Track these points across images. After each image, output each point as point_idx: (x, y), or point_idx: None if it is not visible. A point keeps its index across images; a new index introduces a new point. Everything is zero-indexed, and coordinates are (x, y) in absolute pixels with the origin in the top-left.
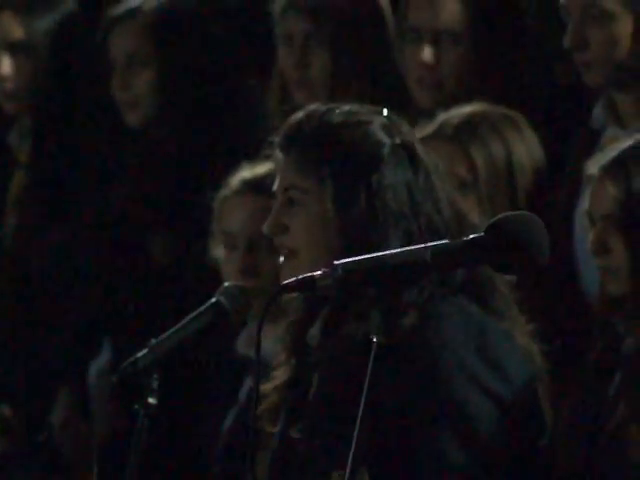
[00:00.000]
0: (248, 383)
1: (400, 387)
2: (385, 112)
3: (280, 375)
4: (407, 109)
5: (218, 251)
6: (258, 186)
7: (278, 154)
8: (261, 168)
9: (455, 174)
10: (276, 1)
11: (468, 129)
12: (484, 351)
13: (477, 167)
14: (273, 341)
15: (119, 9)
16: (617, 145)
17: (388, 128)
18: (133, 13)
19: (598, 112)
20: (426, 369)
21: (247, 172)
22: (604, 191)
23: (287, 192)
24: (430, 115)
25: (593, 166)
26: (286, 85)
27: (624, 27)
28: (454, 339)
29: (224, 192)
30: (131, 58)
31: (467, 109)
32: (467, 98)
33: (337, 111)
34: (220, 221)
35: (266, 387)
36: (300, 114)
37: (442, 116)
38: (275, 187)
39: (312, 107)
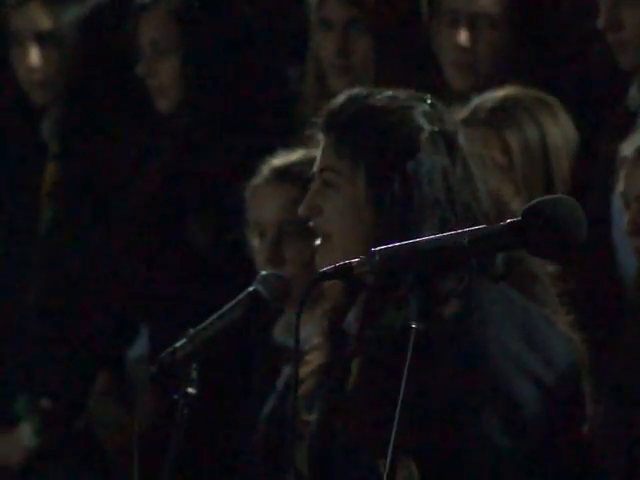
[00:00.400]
0: (286, 371)
1: (445, 375)
2: (429, 99)
3: (314, 360)
4: (443, 93)
5: (253, 240)
6: (288, 174)
7: (319, 135)
8: (292, 156)
9: (490, 158)
10: None
11: (502, 113)
12: (528, 337)
13: (512, 151)
14: (311, 328)
15: None
16: None
17: (429, 115)
18: (159, 0)
19: (634, 93)
20: (471, 356)
21: (278, 160)
22: (638, 172)
23: (323, 174)
24: (465, 99)
25: (628, 147)
26: (322, 71)
27: None
28: (498, 326)
29: (255, 181)
30: (156, 45)
31: (501, 93)
32: (502, 81)
33: (379, 95)
34: (252, 210)
35: (302, 372)
36: (343, 96)
37: (476, 100)
38: (313, 168)
39: (355, 90)
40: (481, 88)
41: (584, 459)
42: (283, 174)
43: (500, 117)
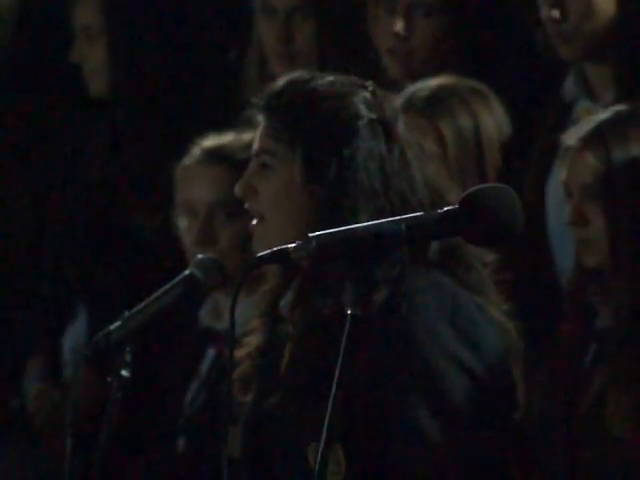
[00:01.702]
0: (210, 355)
1: (373, 361)
2: (370, 86)
3: (252, 342)
4: (382, 81)
5: (181, 221)
6: (219, 156)
7: (258, 117)
8: (223, 138)
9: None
10: None
11: (437, 102)
12: (457, 324)
13: (446, 140)
14: (242, 312)
15: None
16: (595, 117)
17: (369, 102)
18: None
19: (569, 84)
20: (400, 343)
21: (208, 141)
22: (583, 162)
23: (260, 156)
24: (401, 86)
25: (570, 138)
26: (264, 57)
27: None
28: (428, 313)
29: (185, 161)
30: (85, 30)
31: (435, 82)
32: (438, 70)
33: (320, 80)
34: (182, 190)
35: (238, 354)
36: (284, 79)
37: (410, 89)
38: (252, 149)
39: (296, 74)
40: (416, 77)
41: (515, 447)
42: (214, 155)
43: (434, 107)
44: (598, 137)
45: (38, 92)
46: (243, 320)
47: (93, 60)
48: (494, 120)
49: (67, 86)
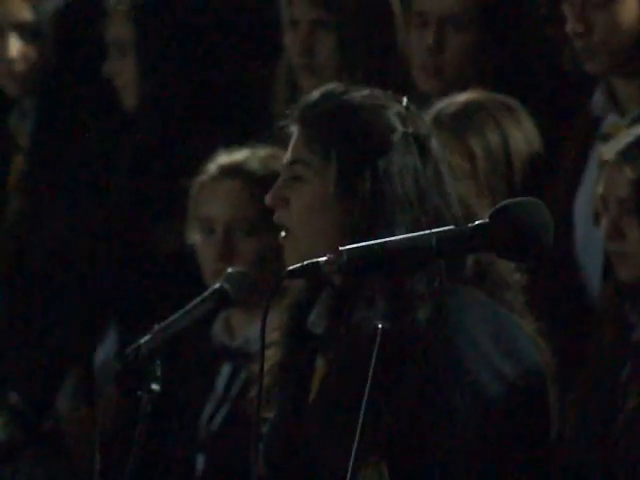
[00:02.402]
0: (226, 371)
1: (418, 377)
2: (405, 101)
3: (271, 357)
4: (411, 95)
5: (195, 236)
6: (235, 171)
7: (292, 127)
8: (237, 154)
9: (453, 163)
10: None
11: (465, 118)
12: (500, 341)
13: (475, 156)
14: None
15: None
16: (633, 130)
17: (403, 117)
18: (119, 0)
19: (597, 99)
20: (446, 360)
21: (223, 157)
22: (621, 175)
23: (293, 166)
24: (429, 101)
25: (609, 152)
26: (293, 71)
27: (628, 10)
28: (473, 330)
29: (201, 178)
30: (119, 44)
31: (463, 97)
32: (468, 85)
33: (356, 92)
34: (196, 206)
35: (257, 369)
36: (319, 91)
37: (438, 105)
38: (284, 160)
39: (332, 86)
40: (446, 91)
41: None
42: (229, 171)
43: (463, 122)
44: (636, 151)
45: (73, 106)
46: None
47: (125, 74)
48: (523, 135)
49: (100, 101)
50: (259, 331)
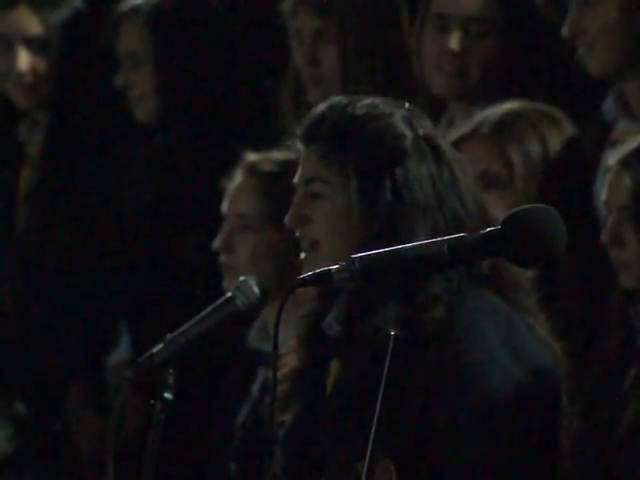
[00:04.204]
0: (261, 376)
1: (428, 380)
2: (407, 105)
3: (290, 362)
4: (417, 100)
5: None
6: (249, 168)
7: (299, 145)
8: (258, 155)
9: (491, 172)
10: None
11: (504, 127)
12: (512, 344)
13: (513, 164)
14: (287, 333)
15: (124, 6)
16: (637, 137)
17: (409, 121)
18: (134, 11)
19: (609, 105)
20: (456, 362)
21: (248, 156)
22: (621, 182)
23: (310, 184)
24: (442, 106)
25: (611, 159)
26: (300, 82)
27: (612, 10)
28: (484, 333)
29: (231, 175)
30: (131, 56)
31: (505, 107)
32: (487, 90)
33: (359, 104)
34: (223, 204)
35: (278, 373)
36: (322, 106)
37: (480, 115)
38: (296, 179)
39: (334, 99)
40: (465, 96)
41: (558, 464)
42: (250, 168)
43: (502, 131)
44: (636, 158)
45: (84, 117)
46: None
47: (139, 86)
48: (565, 145)
49: (111, 112)
50: (285, 337)
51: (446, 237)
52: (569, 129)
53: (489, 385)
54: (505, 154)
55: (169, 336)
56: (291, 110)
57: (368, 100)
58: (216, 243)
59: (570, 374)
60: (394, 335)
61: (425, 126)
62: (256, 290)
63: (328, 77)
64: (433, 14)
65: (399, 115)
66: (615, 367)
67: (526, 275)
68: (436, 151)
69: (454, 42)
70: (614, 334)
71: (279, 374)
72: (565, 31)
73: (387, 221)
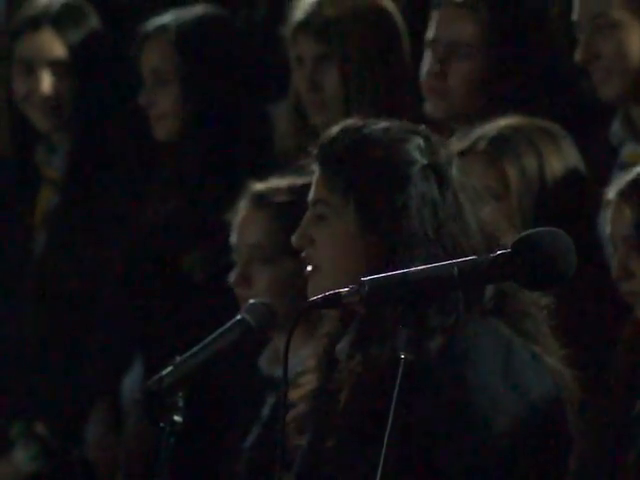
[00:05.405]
0: (270, 401)
1: (428, 406)
2: (423, 131)
3: (307, 384)
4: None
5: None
6: (261, 200)
7: (314, 166)
8: (268, 182)
9: (487, 187)
10: (287, 24)
11: (502, 142)
12: (509, 373)
13: (509, 179)
14: (303, 354)
15: (150, 25)
16: (634, 169)
17: (422, 148)
18: (161, 30)
19: (616, 128)
20: (451, 390)
21: (256, 185)
22: (621, 214)
23: (316, 206)
24: (444, 127)
25: (612, 191)
26: (301, 107)
27: (634, 36)
28: (480, 361)
29: (238, 205)
30: (157, 74)
31: (502, 122)
32: (479, 111)
33: (373, 127)
34: (232, 234)
35: (293, 395)
36: (337, 127)
37: (477, 131)
38: (308, 198)
39: (350, 121)
40: (457, 117)
41: None
42: (257, 200)
43: (499, 146)
44: (635, 188)
45: (106, 139)
46: (303, 363)
47: (163, 104)
48: (562, 161)
49: (133, 130)
50: (296, 362)
51: (457, 260)
52: (566, 144)
53: (485, 418)
54: (501, 169)
55: (179, 358)
56: (292, 134)
57: (383, 124)
58: (232, 277)
59: (582, 402)
60: (405, 359)
61: (439, 153)
62: (265, 311)
63: (330, 102)
64: (428, 38)
65: (412, 141)
66: (625, 393)
67: (538, 304)
68: (442, 179)
69: (434, 65)
70: (625, 361)
71: (296, 394)
72: (578, 56)
73: (384, 247)
